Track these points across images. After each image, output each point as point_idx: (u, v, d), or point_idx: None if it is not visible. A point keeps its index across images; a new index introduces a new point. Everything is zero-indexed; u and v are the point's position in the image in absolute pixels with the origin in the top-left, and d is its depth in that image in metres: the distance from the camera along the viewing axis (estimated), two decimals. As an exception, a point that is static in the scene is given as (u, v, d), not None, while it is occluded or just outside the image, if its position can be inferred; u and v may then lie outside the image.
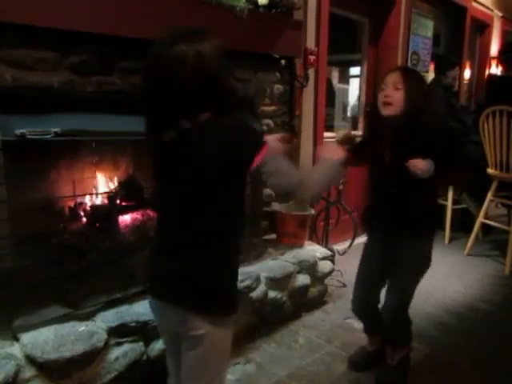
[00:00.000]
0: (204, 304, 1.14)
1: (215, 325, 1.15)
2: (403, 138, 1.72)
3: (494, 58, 5.75)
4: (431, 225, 1.89)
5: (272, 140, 1.24)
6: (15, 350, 1.59)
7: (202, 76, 1.09)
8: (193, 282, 1.14)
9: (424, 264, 1.84)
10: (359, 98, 4.11)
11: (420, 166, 1.63)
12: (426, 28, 4.39)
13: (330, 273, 2.71)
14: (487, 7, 5.47)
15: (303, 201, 1.81)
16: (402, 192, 1.74)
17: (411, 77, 1.77)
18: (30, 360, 1.55)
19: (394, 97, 1.71)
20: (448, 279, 3.05)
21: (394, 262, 1.84)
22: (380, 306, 1.94)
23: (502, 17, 5.88)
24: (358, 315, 2.07)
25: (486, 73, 5.70)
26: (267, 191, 2.72)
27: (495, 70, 5.69)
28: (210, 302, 1.15)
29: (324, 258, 2.71)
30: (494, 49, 5.78)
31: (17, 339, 1.63)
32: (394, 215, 1.78)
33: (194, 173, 1.12)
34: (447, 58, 4.39)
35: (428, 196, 1.80)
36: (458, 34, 5.03)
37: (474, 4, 5.09)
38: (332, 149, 1.49)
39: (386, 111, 1.73)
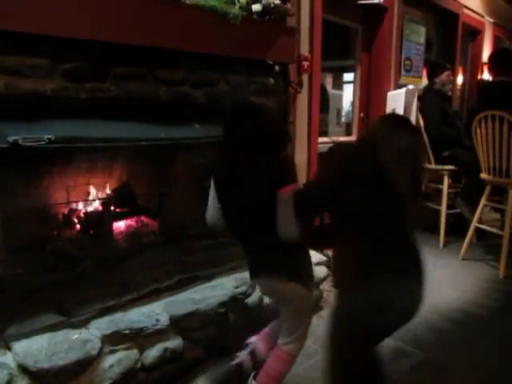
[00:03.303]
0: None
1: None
2: None
3: (486, 63, 5.80)
4: None
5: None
6: (7, 358, 1.57)
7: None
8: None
9: None
10: (353, 103, 4.13)
11: None
12: (418, 34, 4.43)
13: (325, 278, 2.71)
14: (479, 13, 5.53)
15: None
16: None
17: None
18: (23, 369, 1.53)
19: None
20: (443, 283, 3.05)
21: None
22: None
23: (493, 23, 5.95)
24: None
25: (478, 78, 5.76)
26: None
27: (487, 75, 5.74)
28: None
29: (319, 264, 2.70)
30: (486, 54, 5.83)
31: (9, 348, 1.61)
32: None
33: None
34: (435, 63, 4.43)
35: None
36: (450, 39, 5.08)
37: (466, 10, 5.14)
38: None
39: None
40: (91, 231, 2.26)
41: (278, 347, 1.72)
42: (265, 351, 1.83)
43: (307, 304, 1.75)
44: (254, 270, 1.68)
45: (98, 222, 2.26)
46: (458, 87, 5.57)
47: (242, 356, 1.88)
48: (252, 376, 1.79)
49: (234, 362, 1.86)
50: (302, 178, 3.18)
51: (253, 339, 1.93)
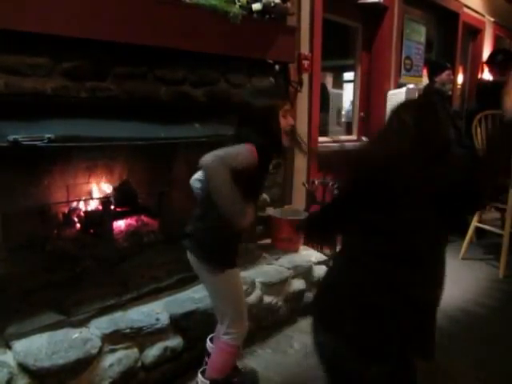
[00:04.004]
0: None
1: None
2: None
3: (485, 63, 5.80)
4: None
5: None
6: (8, 357, 1.57)
7: None
8: None
9: None
10: (353, 103, 4.13)
11: None
12: (418, 33, 4.43)
13: (325, 277, 2.71)
14: (479, 13, 5.52)
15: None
16: None
17: None
18: (23, 368, 1.53)
19: None
20: (443, 283, 3.05)
21: None
22: None
23: (493, 22, 5.94)
24: None
25: (479, 77, 5.75)
26: (262, 196, 2.72)
27: (487, 75, 5.74)
28: None
29: (319, 263, 2.71)
30: (487, 54, 5.83)
31: (9, 347, 1.62)
32: None
33: None
34: (436, 62, 4.43)
35: None
36: (450, 39, 5.08)
37: (466, 9, 5.13)
38: None
39: None
40: (91, 230, 2.26)
41: (218, 339, 1.72)
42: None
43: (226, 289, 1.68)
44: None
45: (98, 222, 2.26)
46: (458, 87, 5.56)
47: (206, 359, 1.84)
48: (199, 372, 1.77)
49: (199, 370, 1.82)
50: (302, 177, 3.18)
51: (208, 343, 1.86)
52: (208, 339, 1.84)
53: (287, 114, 1.65)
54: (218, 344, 1.72)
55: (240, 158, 1.50)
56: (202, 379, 1.73)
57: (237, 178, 1.47)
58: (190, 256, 1.69)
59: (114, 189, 2.40)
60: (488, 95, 3.48)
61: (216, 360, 1.72)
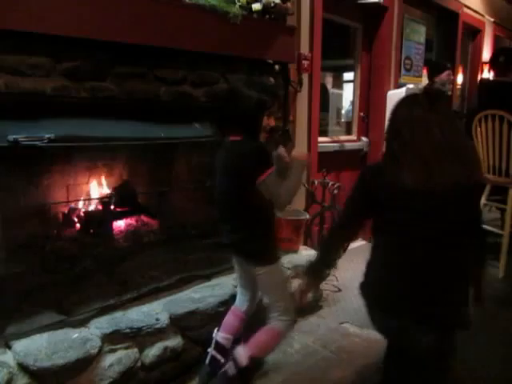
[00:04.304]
0: None
1: None
2: None
3: (485, 63, 5.80)
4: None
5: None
6: (7, 357, 1.57)
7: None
8: None
9: None
10: (353, 103, 4.13)
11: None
12: (418, 33, 4.43)
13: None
14: (479, 13, 5.52)
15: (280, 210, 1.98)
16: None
17: None
18: (23, 368, 1.53)
19: None
20: (442, 283, 3.05)
21: None
22: None
23: (493, 22, 5.94)
24: None
25: (478, 78, 5.75)
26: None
27: (487, 75, 5.74)
28: None
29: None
30: (486, 54, 5.83)
31: (9, 347, 1.62)
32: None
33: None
34: (436, 63, 4.43)
35: None
36: (450, 39, 5.07)
37: (466, 10, 5.14)
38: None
39: None
40: (91, 230, 2.26)
41: (270, 324, 1.81)
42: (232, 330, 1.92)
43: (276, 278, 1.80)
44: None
45: (97, 222, 2.26)
46: (458, 87, 5.56)
47: (211, 352, 1.89)
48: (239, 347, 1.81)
49: (206, 361, 1.89)
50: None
51: (215, 332, 1.92)
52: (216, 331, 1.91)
53: (271, 115, 1.75)
54: (269, 326, 1.81)
55: None
56: (241, 352, 1.77)
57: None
58: (235, 258, 1.87)
59: (114, 189, 2.40)
60: (492, 94, 3.49)
61: (262, 339, 1.80)
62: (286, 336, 1.89)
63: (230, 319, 1.94)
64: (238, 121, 1.70)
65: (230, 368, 1.75)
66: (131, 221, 2.45)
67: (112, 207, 2.35)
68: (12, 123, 1.63)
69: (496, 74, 3.71)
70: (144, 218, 2.51)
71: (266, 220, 1.76)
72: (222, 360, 1.85)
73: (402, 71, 4.23)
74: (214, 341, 1.89)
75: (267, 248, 1.77)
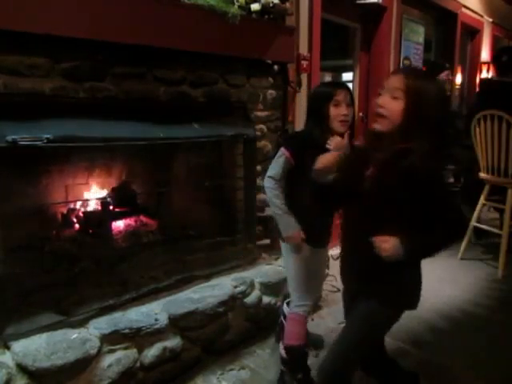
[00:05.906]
0: None
1: None
2: (388, 174, 1.27)
3: (484, 63, 5.81)
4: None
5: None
6: (6, 358, 1.57)
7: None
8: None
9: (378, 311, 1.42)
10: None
11: (386, 246, 1.26)
12: (417, 33, 4.43)
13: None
14: (477, 13, 5.53)
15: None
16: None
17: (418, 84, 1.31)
18: (22, 368, 1.53)
19: (388, 107, 1.37)
20: (442, 283, 3.05)
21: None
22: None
23: (492, 22, 5.95)
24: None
25: (477, 78, 5.76)
26: (261, 196, 2.72)
27: (486, 75, 5.75)
28: None
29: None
30: (485, 54, 5.84)
31: (8, 347, 1.62)
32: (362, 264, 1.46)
33: None
34: (435, 63, 4.43)
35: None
36: (448, 39, 5.08)
37: (465, 10, 5.14)
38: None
39: (376, 125, 1.38)
40: (90, 231, 2.25)
41: (290, 311, 1.93)
42: None
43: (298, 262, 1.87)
44: None
45: (97, 222, 2.26)
46: (457, 87, 5.57)
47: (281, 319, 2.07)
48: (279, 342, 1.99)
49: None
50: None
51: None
52: (285, 303, 2.06)
53: (341, 103, 1.81)
54: (289, 316, 1.93)
55: (272, 166, 1.78)
56: (281, 346, 1.93)
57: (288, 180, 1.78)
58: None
59: (113, 189, 2.40)
60: (494, 94, 3.48)
61: (288, 329, 1.91)
62: (307, 320, 1.96)
63: None
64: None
65: (282, 364, 1.93)
66: (130, 221, 2.45)
67: (111, 207, 2.34)
68: (11, 123, 1.63)
69: (497, 74, 3.71)
70: (143, 218, 2.51)
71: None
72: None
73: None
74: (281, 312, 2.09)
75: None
